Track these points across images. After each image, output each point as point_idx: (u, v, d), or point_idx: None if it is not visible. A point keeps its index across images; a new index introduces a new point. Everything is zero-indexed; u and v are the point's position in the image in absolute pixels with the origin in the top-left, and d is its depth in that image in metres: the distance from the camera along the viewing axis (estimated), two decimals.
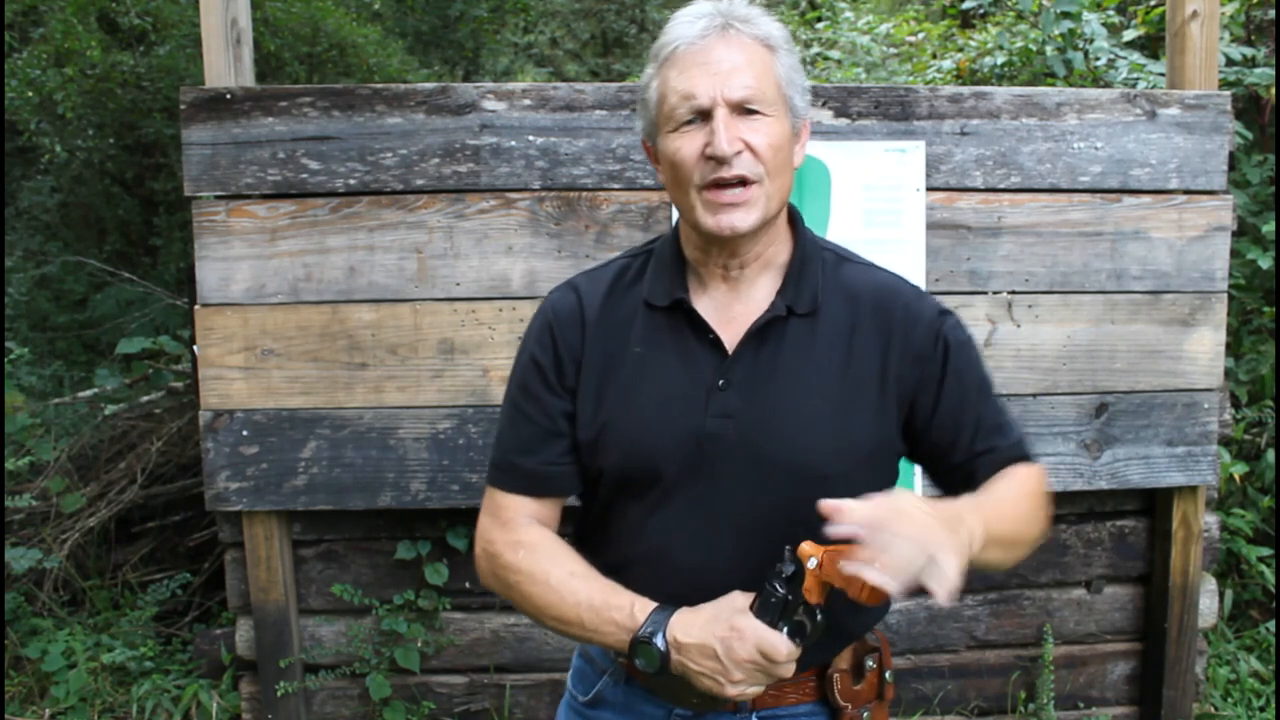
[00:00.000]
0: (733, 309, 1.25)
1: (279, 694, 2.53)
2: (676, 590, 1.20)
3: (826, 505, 1.05)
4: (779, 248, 1.28)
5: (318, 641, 2.61)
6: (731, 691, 1.13)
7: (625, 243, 2.42)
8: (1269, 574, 3.23)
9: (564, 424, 1.28)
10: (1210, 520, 2.75)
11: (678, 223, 1.30)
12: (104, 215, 5.28)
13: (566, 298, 1.30)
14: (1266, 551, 3.23)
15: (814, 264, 1.27)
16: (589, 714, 1.36)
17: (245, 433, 2.42)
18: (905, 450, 1.32)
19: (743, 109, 1.16)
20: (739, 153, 1.15)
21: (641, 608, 1.18)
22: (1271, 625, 3.26)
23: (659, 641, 1.14)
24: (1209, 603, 2.74)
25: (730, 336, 1.23)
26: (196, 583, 3.34)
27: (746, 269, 1.25)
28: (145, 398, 3.66)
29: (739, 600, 1.15)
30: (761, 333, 1.22)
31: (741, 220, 1.17)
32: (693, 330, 1.24)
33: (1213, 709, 2.94)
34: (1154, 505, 2.74)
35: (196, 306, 2.41)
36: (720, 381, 1.21)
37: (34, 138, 5.12)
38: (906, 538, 1.00)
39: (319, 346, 2.42)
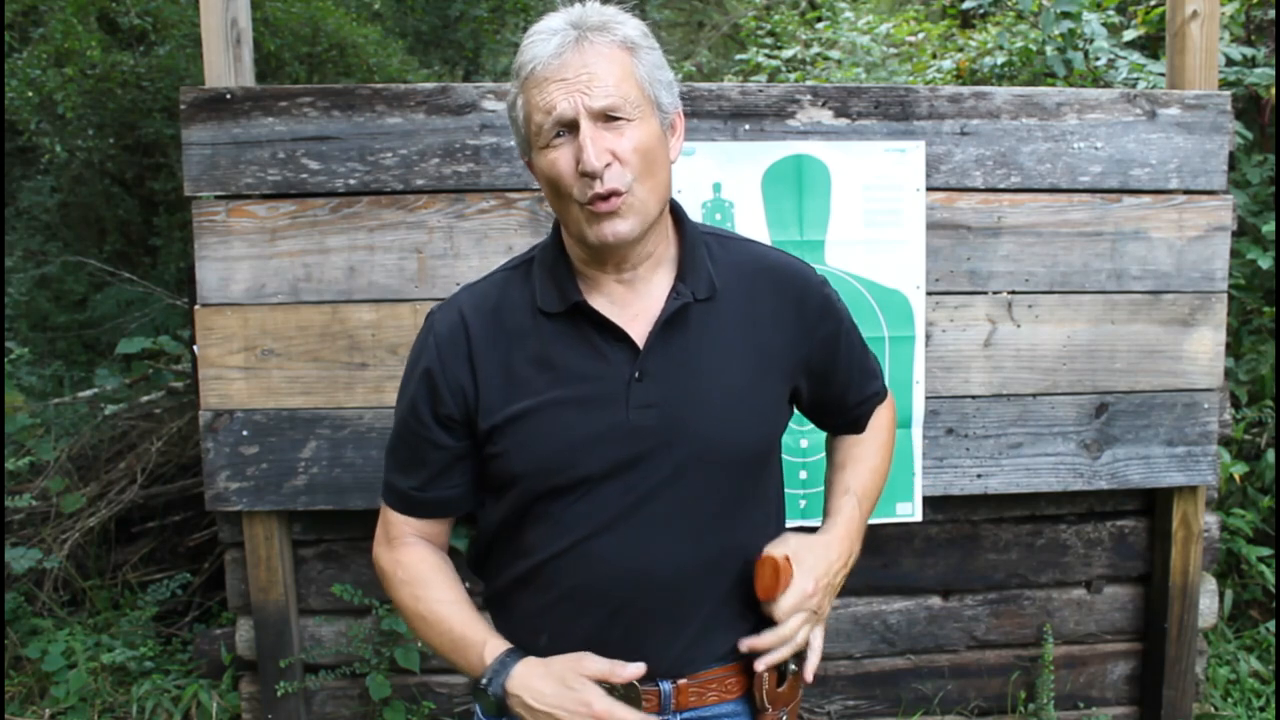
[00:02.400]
0: (634, 306, 1.27)
1: (279, 694, 2.53)
2: (609, 584, 1.23)
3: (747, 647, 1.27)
4: (667, 243, 1.30)
5: (318, 641, 2.61)
6: None
7: None
8: (1269, 574, 3.23)
9: (449, 451, 1.29)
10: (1210, 520, 2.75)
11: (556, 230, 1.31)
12: (104, 215, 5.28)
13: (451, 319, 1.29)
14: (1266, 551, 3.23)
15: (701, 251, 1.30)
16: None
17: (245, 433, 2.42)
18: (797, 407, 1.42)
19: (606, 117, 1.17)
20: (608, 165, 1.17)
21: (491, 650, 1.22)
22: (1271, 625, 3.26)
23: (495, 690, 1.20)
24: (1209, 603, 2.74)
25: (637, 331, 1.25)
26: (196, 583, 3.34)
27: (639, 269, 1.27)
28: (145, 398, 3.66)
29: (589, 665, 1.19)
30: (669, 323, 1.25)
31: (621, 228, 1.19)
32: (597, 330, 1.25)
33: (1213, 709, 2.94)
34: (1154, 505, 2.74)
35: (196, 306, 2.41)
36: (636, 374, 1.23)
37: (34, 138, 5.12)
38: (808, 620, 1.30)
39: (319, 346, 2.42)
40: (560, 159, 1.18)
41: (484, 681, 1.20)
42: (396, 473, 1.33)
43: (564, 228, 1.27)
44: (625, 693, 1.22)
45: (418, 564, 1.31)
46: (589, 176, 1.17)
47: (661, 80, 1.23)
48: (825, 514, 1.42)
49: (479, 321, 1.27)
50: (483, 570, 1.39)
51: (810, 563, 1.29)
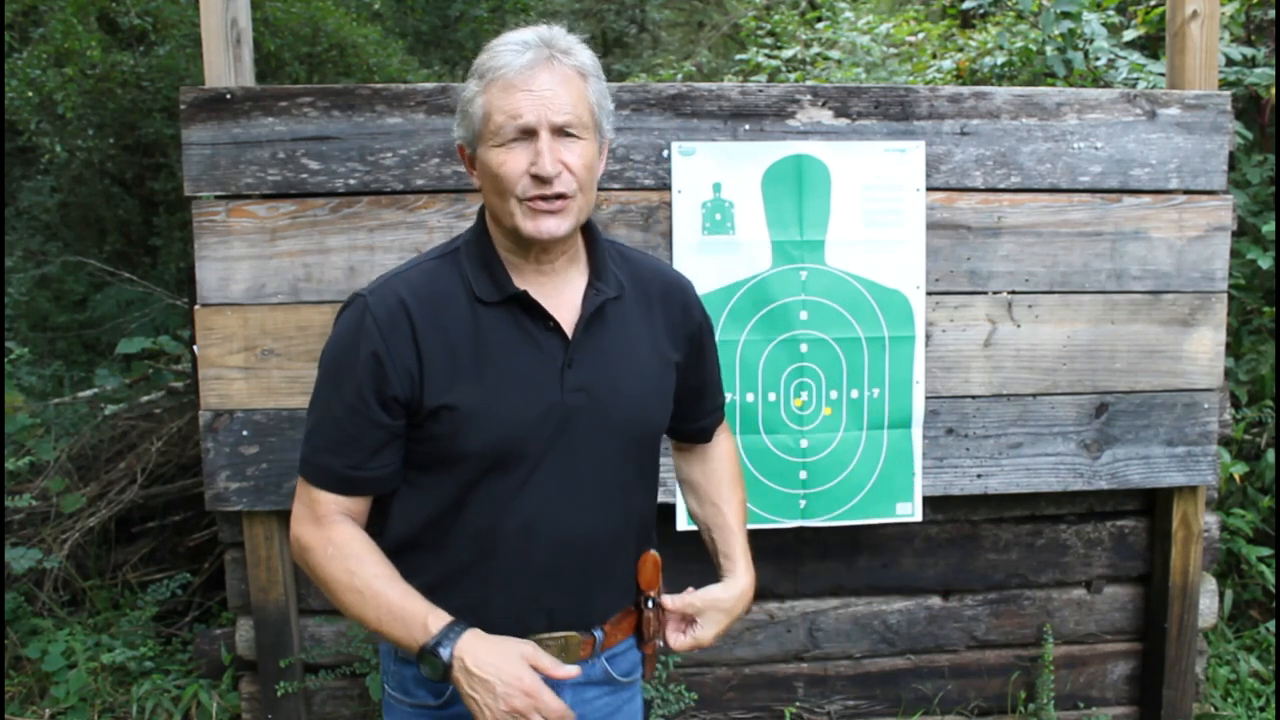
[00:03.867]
0: (556, 298, 1.40)
1: (279, 694, 2.53)
2: (549, 563, 1.37)
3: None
4: (578, 245, 1.46)
5: (318, 641, 2.61)
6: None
7: (625, 242, 2.41)
8: (1269, 574, 3.23)
9: (387, 430, 1.35)
10: (1210, 520, 2.75)
11: (481, 223, 1.43)
12: (104, 215, 5.29)
13: (389, 301, 1.36)
14: (1266, 551, 3.23)
15: (609, 256, 1.48)
16: (447, 714, 1.42)
17: (245, 433, 2.42)
18: None
19: (563, 132, 1.32)
20: (559, 173, 1.31)
21: (436, 619, 1.29)
22: (1271, 625, 3.26)
23: (444, 653, 1.27)
24: (1209, 603, 2.74)
25: (563, 321, 1.39)
26: (196, 583, 3.34)
27: (557, 263, 1.41)
28: (145, 398, 3.66)
29: (528, 650, 1.30)
30: (592, 316, 1.40)
31: (557, 227, 1.33)
32: (530, 318, 1.37)
33: (1213, 709, 2.94)
34: (1154, 505, 2.74)
35: (196, 306, 2.41)
36: (569, 361, 1.37)
37: (34, 138, 5.12)
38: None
39: (319, 346, 2.41)
40: (511, 159, 1.31)
41: (433, 644, 1.27)
42: (328, 453, 1.37)
43: (496, 220, 1.39)
44: (565, 644, 1.40)
45: (349, 541, 1.35)
46: (540, 179, 1.30)
47: (606, 108, 1.39)
48: (725, 555, 1.60)
49: (419, 306, 1.35)
50: (413, 548, 1.41)
51: (719, 621, 1.52)
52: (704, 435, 1.66)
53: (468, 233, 1.45)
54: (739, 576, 1.57)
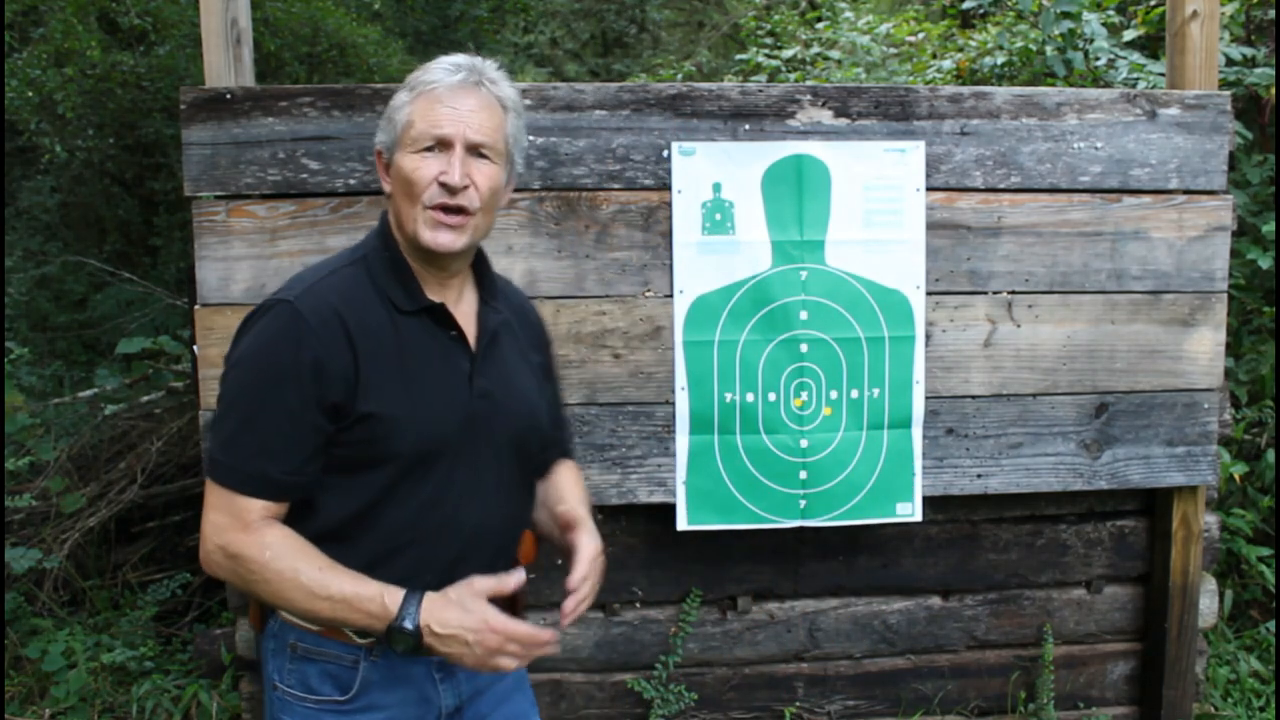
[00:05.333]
0: (455, 308, 1.49)
1: None
2: (461, 548, 1.45)
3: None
4: (468, 264, 1.56)
5: None
6: (503, 665, 1.37)
7: (625, 243, 2.42)
8: (1269, 574, 3.23)
9: (320, 432, 1.38)
10: (1210, 520, 2.75)
11: (384, 230, 1.50)
12: (104, 215, 5.29)
13: (321, 310, 1.39)
14: (1266, 551, 3.23)
15: (493, 278, 1.59)
16: (355, 707, 1.46)
17: None
18: None
19: (476, 151, 1.42)
20: (466, 187, 1.40)
21: (392, 597, 1.35)
22: (1271, 625, 3.26)
23: (409, 626, 1.33)
24: (1209, 603, 2.74)
25: (465, 331, 1.49)
26: (196, 583, 3.34)
27: (454, 278, 1.51)
28: (145, 398, 3.66)
29: (479, 584, 1.38)
30: (493, 331, 1.52)
31: (454, 241, 1.42)
32: (441, 329, 1.47)
33: (1213, 709, 2.94)
34: (1154, 505, 2.74)
35: (196, 306, 2.41)
36: (473, 369, 1.47)
37: (34, 138, 5.12)
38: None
39: None
40: (424, 166, 1.40)
41: (399, 621, 1.33)
42: (263, 458, 1.37)
43: (400, 226, 1.46)
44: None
45: (283, 540, 1.37)
46: (446, 188, 1.39)
47: (521, 144, 1.52)
48: (566, 517, 1.61)
49: (350, 312, 1.40)
50: (329, 541, 1.41)
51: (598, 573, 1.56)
52: (550, 458, 1.70)
53: (371, 239, 1.51)
54: (591, 526, 1.60)
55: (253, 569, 1.36)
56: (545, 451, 1.67)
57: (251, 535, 1.37)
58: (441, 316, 1.46)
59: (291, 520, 1.41)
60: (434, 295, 1.47)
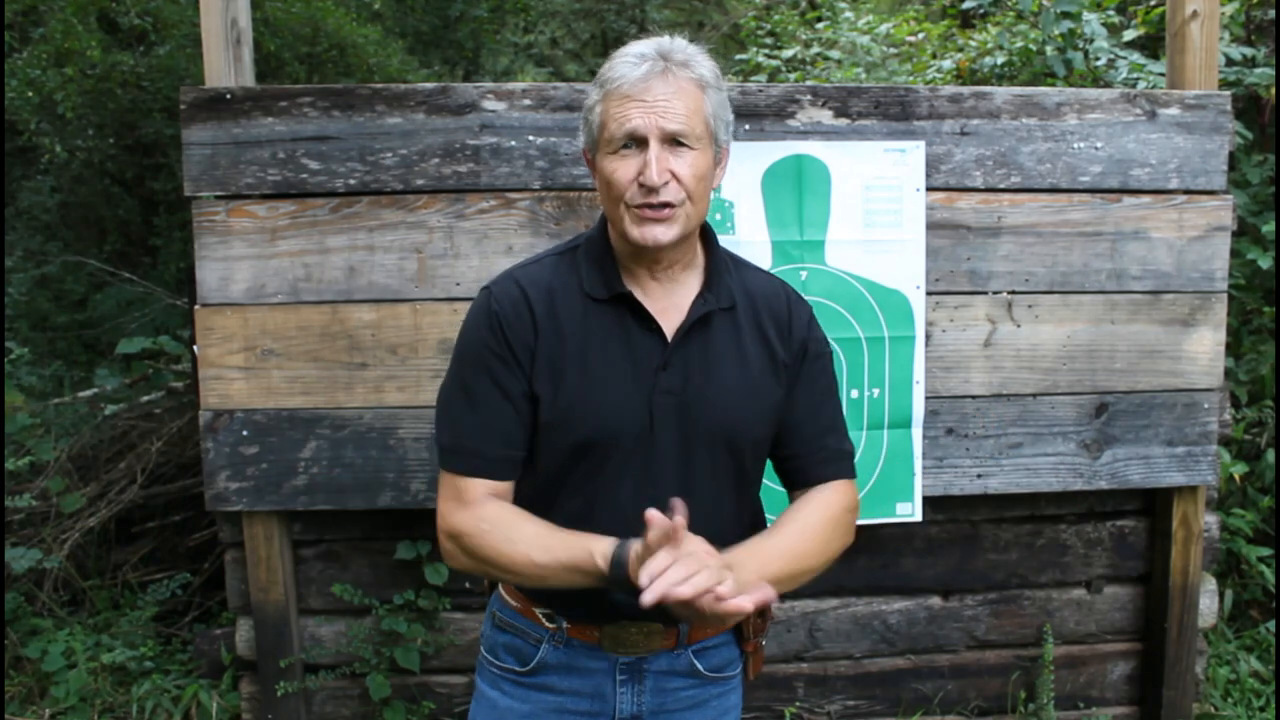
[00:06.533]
0: (664, 301, 1.45)
1: (279, 694, 2.53)
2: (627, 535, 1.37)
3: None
4: (695, 253, 1.50)
5: (318, 641, 2.61)
6: (722, 590, 1.21)
7: None
8: (1269, 574, 3.23)
9: (524, 410, 1.42)
10: (1210, 520, 2.75)
11: (603, 224, 1.48)
12: (104, 215, 5.28)
13: (511, 292, 1.43)
14: (1266, 551, 3.23)
15: (725, 267, 1.51)
16: (530, 681, 1.50)
17: (245, 433, 2.42)
18: None
19: (674, 141, 1.36)
20: (666, 183, 1.35)
21: (601, 548, 1.31)
22: (1271, 625, 3.26)
23: (621, 575, 1.27)
24: (1209, 603, 2.74)
25: (667, 325, 1.43)
26: (196, 583, 3.34)
27: (671, 270, 1.46)
28: (145, 398, 3.66)
29: (664, 527, 1.28)
30: (696, 323, 1.44)
31: (663, 235, 1.38)
32: (635, 319, 1.43)
33: (1213, 709, 2.94)
34: (1154, 505, 2.74)
35: (196, 306, 2.41)
36: (664, 364, 1.41)
37: (34, 138, 5.12)
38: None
39: (319, 346, 2.42)
40: (622, 167, 1.36)
41: (613, 573, 1.29)
42: (481, 439, 1.41)
43: (610, 224, 1.45)
44: (648, 632, 1.45)
45: (499, 512, 1.39)
46: (647, 188, 1.34)
47: (723, 118, 1.42)
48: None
49: (537, 296, 1.42)
50: None
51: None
52: (800, 478, 1.52)
53: (590, 231, 1.52)
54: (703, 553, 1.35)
55: (473, 539, 1.38)
56: (788, 461, 1.52)
57: (470, 509, 1.40)
58: (635, 306, 1.42)
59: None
60: (644, 288, 1.44)
